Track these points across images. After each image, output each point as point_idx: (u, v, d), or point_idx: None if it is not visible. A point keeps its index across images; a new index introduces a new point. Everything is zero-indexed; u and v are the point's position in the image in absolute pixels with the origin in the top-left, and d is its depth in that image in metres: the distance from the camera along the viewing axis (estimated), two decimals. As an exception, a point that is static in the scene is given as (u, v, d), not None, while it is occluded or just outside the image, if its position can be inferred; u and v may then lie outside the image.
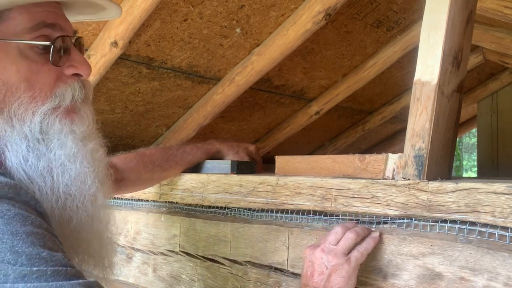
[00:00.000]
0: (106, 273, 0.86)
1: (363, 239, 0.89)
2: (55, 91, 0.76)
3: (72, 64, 0.79)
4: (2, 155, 0.71)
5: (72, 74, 0.80)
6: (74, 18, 0.86)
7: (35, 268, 0.53)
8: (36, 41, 0.74)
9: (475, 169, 10.77)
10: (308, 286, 0.85)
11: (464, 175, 12.34)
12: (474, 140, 10.77)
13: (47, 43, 0.75)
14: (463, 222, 0.80)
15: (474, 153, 11.48)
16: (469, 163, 13.00)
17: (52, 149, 0.75)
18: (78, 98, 0.80)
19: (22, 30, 0.73)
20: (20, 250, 0.53)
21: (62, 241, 0.68)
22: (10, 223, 0.55)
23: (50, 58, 0.75)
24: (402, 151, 0.92)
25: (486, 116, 3.49)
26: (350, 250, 0.86)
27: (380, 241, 0.90)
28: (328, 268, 0.84)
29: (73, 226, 0.75)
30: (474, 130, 6.11)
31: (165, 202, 1.41)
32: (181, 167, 1.34)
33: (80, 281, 0.56)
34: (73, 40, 0.82)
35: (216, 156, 1.43)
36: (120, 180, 1.24)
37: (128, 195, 1.52)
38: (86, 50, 1.64)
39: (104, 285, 0.63)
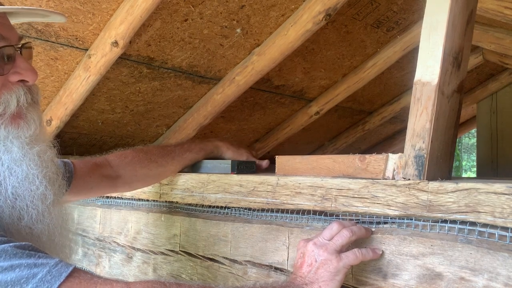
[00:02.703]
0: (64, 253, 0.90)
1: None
2: None
3: (17, 71, 0.81)
4: None
5: (18, 81, 0.82)
6: (21, 20, 0.89)
7: None
8: None
9: (474, 169, 10.78)
10: (296, 275, 0.86)
11: (463, 175, 12.34)
12: (474, 140, 10.79)
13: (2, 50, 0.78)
14: (463, 222, 0.80)
15: (473, 154, 11.50)
16: (468, 163, 13.01)
17: None
18: (24, 103, 0.82)
19: None
20: None
21: (16, 236, 0.73)
22: None
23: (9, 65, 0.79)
24: (401, 151, 0.92)
25: (485, 116, 3.49)
26: (343, 247, 0.87)
27: (380, 241, 0.90)
28: (318, 262, 0.85)
29: (24, 223, 0.79)
30: (473, 131, 6.11)
31: (166, 201, 1.41)
32: (178, 163, 1.33)
33: (11, 244, 0.62)
34: (19, 47, 0.84)
35: (215, 152, 1.41)
36: (115, 178, 1.24)
37: (128, 195, 1.52)
38: (86, 49, 1.64)
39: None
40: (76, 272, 0.65)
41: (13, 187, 0.78)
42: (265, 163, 1.39)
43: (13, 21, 0.87)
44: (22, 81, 0.83)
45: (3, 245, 0.62)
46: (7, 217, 0.77)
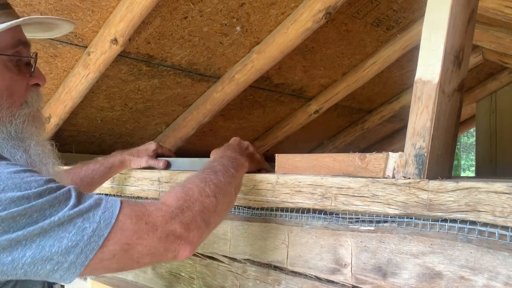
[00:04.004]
0: None
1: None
2: (26, 98, 0.89)
3: (34, 75, 0.91)
4: None
5: (33, 84, 0.91)
6: (28, 34, 0.96)
7: (44, 187, 0.70)
8: (15, 55, 0.86)
9: (473, 168, 10.79)
10: (238, 151, 1.11)
11: (462, 174, 12.36)
12: (472, 139, 10.80)
13: (32, 58, 0.89)
14: (463, 221, 0.80)
15: (472, 153, 11.51)
16: (467, 162, 13.03)
17: (27, 148, 0.88)
18: (40, 104, 0.93)
19: (6, 45, 0.85)
20: (28, 180, 0.70)
21: None
22: (9, 167, 0.72)
23: (32, 70, 0.89)
24: (401, 150, 0.91)
25: (484, 115, 3.49)
26: None
27: (379, 240, 0.90)
28: (253, 152, 1.16)
29: None
30: (472, 130, 6.12)
31: (165, 199, 1.40)
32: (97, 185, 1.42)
33: (70, 186, 0.73)
34: (34, 53, 0.93)
35: (122, 166, 1.46)
36: None
37: (127, 192, 1.52)
38: (85, 47, 1.64)
39: None
40: (123, 202, 0.75)
41: (46, 174, 0.87)
42: (161, 164, 1.45)
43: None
44: (35, 84, 0.91)
45: (65, 189, 0.72)
46: None
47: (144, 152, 1.47)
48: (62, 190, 0.71)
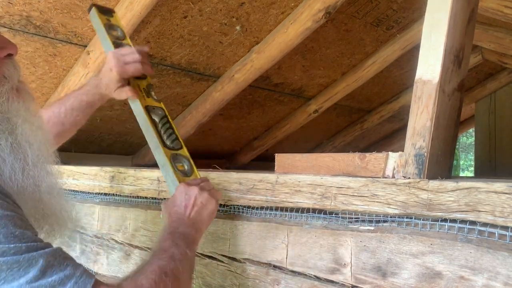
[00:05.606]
0: (67, 226, 0.91)
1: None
2: (3, 73, 0.79)
3: (3, 46, 0.81)
4: None
5: (5, 55, 0.81)
6: None
7: (12, 245, 0.60)
8: None
9: (472, 168, 10.80)
10: (184, 215, 0.99)
11: (461, 174, 12.38)
12: (471, 139, 10.80)
13: None
14: (463, 221, 0.80)
15: (471, 153, 11.51)
16: (466, 162, 13.04)
17: (13, 129, 0.79)
18: (20, 76, 0.83)
19: None
20: None
21: (27, 210, 0.75)
22: None
23: None
24: (400, 150, 0.91)
25: (484, 116, 3.50)
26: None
27: (379, 240, 0.90)
28: (202, 203, 1.01)
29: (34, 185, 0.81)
30: (471, 130, 6.13)
31: (164, 199, 1.40)
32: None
33: (47, 249, 0.64)
34: None
35: (100, 104, 1.26)
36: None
37: (127, 192, 1.52)
38: (85, 46, 1.64)
39: (70, 238, 0.68)
40: (97, 284, 0.66)
41: (32, 155, 0.81)
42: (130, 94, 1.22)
43: None
44: (8, 55, 0.82)
45: (41, 252, 0.63)
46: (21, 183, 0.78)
47: (112, 88, 1.22)
48: (30, 254, 0.61)
